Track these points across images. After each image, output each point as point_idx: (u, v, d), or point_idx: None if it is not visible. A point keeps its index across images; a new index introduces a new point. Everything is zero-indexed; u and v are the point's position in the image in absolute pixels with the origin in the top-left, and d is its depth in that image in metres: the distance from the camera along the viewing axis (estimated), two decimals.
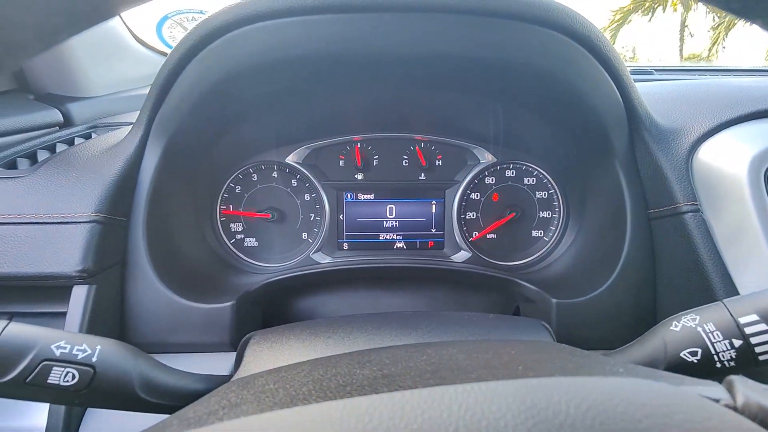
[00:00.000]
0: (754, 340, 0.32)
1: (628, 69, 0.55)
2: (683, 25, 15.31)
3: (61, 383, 0.30)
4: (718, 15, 14.97)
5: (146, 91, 0.56)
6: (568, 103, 0.55)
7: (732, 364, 0.32)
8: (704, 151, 0.54)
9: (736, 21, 14.47)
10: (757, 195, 0.48)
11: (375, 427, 0.16)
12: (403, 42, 0.48)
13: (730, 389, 0.21)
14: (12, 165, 0.60)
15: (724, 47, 14.79)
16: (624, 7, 15.89)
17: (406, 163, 0.71)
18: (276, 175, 0.70)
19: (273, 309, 0.69)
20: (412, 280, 0.71)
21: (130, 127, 0.58)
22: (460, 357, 0.25)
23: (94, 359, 0.32)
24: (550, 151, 0.68)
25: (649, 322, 0.48)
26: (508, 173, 0.72)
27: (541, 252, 0.71)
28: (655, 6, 15.64)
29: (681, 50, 15.45)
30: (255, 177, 0.70)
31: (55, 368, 0.30)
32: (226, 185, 0.70)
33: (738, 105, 0.56)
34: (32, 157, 0.62)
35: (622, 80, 0.54)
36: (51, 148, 0.65)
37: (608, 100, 0.55)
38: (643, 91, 0.58)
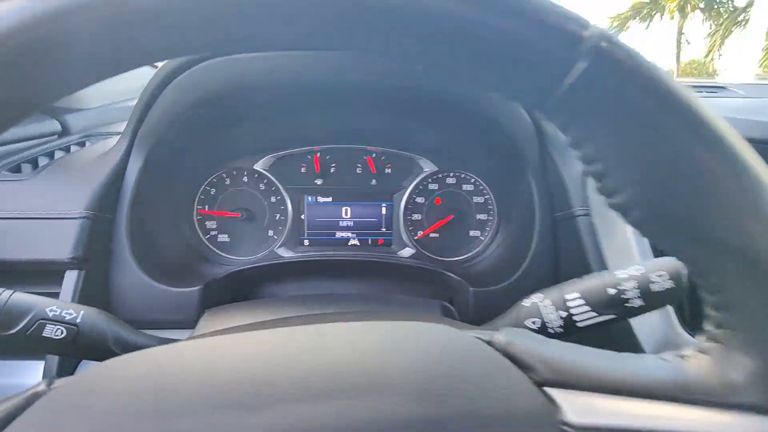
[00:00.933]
0: (573, 311, 0.42)
1: None
2: (680, 33, 15.46)
3: (53, 336, 0.41)
4: (715, 22, 15.08)
5: (135, 102, 0.66)
6: (484, 127, 0.66)
7: (560, 330, 0.43)
8: None
9: (732, 29, 14.58)
10: None
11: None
12: (327, 74, 0.59)
13: (503, 334, 0.30)
14: (17, 169, 0.70)
15: (720, 54, 14.88)
16: (621, 14, 16.00)
17: (359, 170, 0.81)
18: (246, 180, 0.81)
19: (241, 297, 0.79)
20: (364, 273, 0.82)
21: (119, 136, 0.69)
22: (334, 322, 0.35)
23: (78, 320, 0.42)
24: (481, 163, 0.78)
25: None
26: (449, 180, 0.82)
27: (477, 249, 0.82)
28: (653, 13, 15.76)
29: (678, 57, 15.59)
30: (228, 181, 0.81)
31: (48, 325, 0.41)
32: (202, 188, 0.80)
33: None
34: (34, 162, 0.73)
35: None
36: (50, 155, 0.76)
37: (519, 122, 0.65)
38: None
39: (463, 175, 0.82)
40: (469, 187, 0.82)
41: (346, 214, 0.83)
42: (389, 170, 0.82)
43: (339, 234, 0.83)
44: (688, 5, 14.91)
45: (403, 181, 0.82)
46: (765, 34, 11.38)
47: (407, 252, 0.82)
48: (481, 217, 0.82)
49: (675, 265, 0.41)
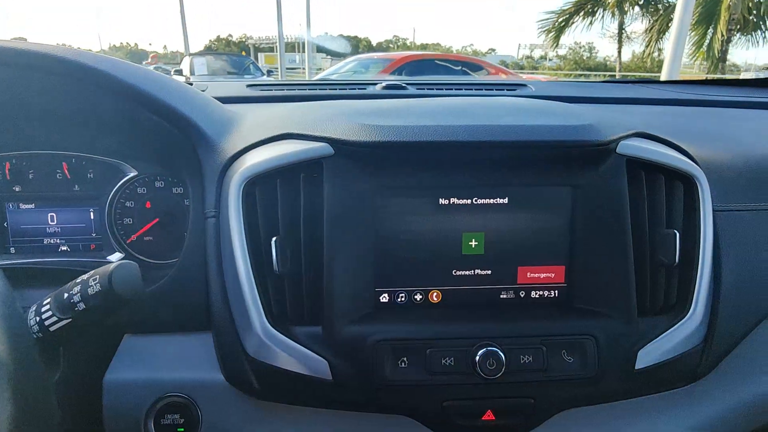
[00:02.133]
0: (44, 315, 0.44)
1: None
2: (620, 29, 16.04)
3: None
4: (652, 18, 15.70)
5: None
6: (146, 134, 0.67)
7: (40, 334, 0.44)
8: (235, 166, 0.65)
9: (669, 24, 15.22)
10: (235, 206, 0.61)
11: None
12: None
13: None
14: None
15: (660, 49, 15.51)
16: (566, 10, 16.43)
17: (59, 176, 0.81)
18: None
19: None
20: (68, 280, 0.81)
21: None
22: None
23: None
24: (174, 165, 0.79)
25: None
26: (158, 184, 0.83)
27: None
28: (595, 9, 16.26)
29: (619, 53, 16.20)
30: None
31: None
32: None
33: (274, 129, 0.68)
34: None
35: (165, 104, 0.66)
36: None
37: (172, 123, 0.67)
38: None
39: (170, 179, 0.82)
40: (179, 190, 0.83)
41: (53, 221, 0.82)
42: (92, 175, 0.82)
43: (47, 240, 0.82)
44: (627, 1, 15.52)
45: (107, 186, 0.82)
46: (691, 26, 11.93)
47: (116, 257, 0.82)
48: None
49: (108, 268, 0.43)
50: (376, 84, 1.28)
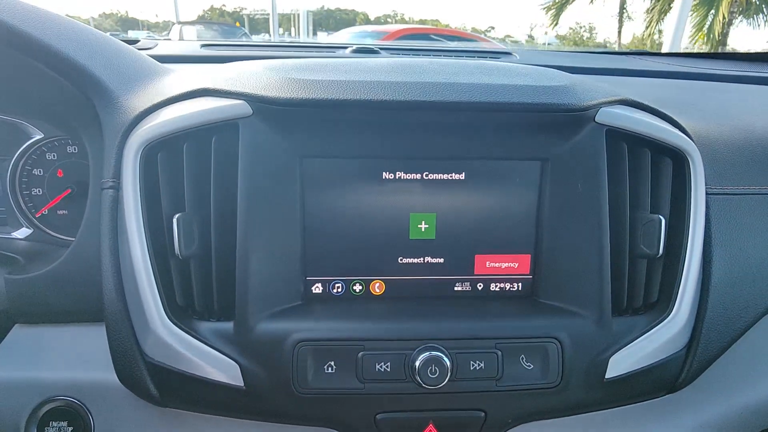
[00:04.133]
0: None
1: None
2: (622, 8, 15.73)
3: None
4: None
5: None
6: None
7: None
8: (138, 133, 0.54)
9: (670, 4, 14.95)
10: (131, 175, 0.50)
11: None
12: None
13: None
14: None
15: (659, 30, 15.29)
16: None
17: None
18: None
19: None
20: None
21: None
22: None
23: None
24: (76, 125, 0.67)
25: None
26: (71, 149, 0.71)
27: None
28: None
29: (619, 33, 15.91)
30: None
31: None
32: None
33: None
34: None
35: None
36: None
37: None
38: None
39: (79, 142, 0.71)
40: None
41: None
42: None
43: None
44: None
45: (7, 150, 0.70)
46: (692, 7, 11.71)
47: (22, 232, 0.71)
48: None
49: None
50: (346, 48, 1.15)
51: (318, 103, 0.47)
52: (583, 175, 0.51)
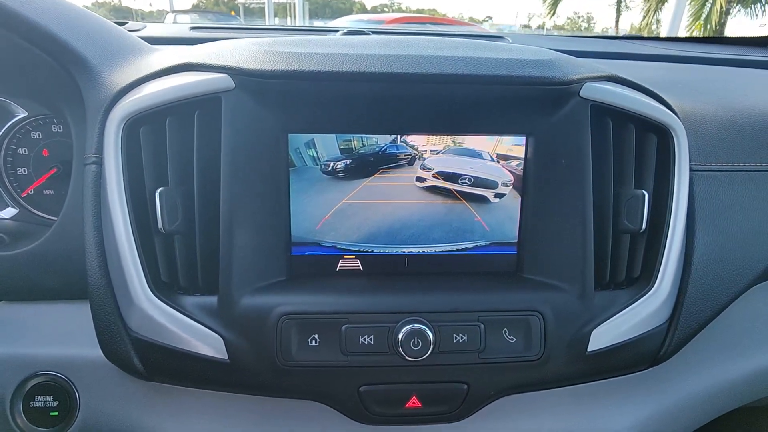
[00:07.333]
0: None
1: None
2: None
3: None
4: None
5: None
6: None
7: None
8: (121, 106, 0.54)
9: None
10: (114, 149, 0.50)
11: None
12: None
13: None
14: None
15: (657, 20, 15.20)
16: None
17: None
18: None
19: None
20: None
21: None
22: None
23: None
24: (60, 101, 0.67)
25: None
26: (56, 128, 0.71)
27: None
28: None
29: (617, 22, 15.83)
30: None
31: None
32: None
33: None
34: None
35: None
36: None
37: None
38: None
39: (63, 121, 0.70)
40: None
41: None
42: None
43: None
44: None
45: None
46: None
47: (8, 212, 0.71)
48: None
49: None
50: (338, 31, 1.14)
51: (301, 74, 0.47)
52: (568, 150, 0.51)
